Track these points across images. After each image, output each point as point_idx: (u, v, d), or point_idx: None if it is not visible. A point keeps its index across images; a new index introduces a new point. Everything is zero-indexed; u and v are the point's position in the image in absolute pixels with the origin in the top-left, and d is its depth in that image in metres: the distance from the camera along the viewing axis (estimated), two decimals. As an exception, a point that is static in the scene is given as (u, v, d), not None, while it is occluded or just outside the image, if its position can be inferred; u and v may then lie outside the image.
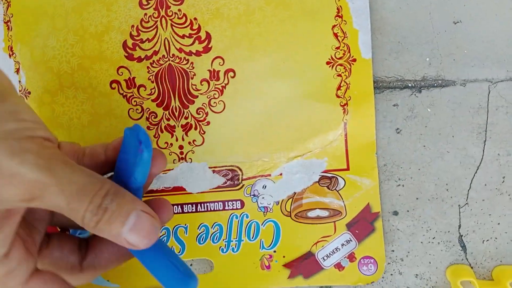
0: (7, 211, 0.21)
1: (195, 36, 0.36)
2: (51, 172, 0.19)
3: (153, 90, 0.37)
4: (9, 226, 0.21)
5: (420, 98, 0.36)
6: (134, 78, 0.36)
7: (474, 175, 0.36)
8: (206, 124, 0.37)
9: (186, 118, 0.37)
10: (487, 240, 0.36)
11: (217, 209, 0.38)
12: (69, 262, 0.26)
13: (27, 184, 0.19)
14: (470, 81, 0.35)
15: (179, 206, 0.38)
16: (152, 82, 0.36)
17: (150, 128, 0.37)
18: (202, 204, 0.38)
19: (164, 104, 0.37)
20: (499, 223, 0.36)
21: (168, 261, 0.23)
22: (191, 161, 0.38)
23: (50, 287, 0.23)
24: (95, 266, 0.26)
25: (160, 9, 0.36)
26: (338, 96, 0.36)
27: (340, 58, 0.35)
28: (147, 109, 0.37)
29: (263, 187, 0.37)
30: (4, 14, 0.38)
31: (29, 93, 0.38)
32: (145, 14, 0.36)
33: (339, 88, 0.36)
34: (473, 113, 0.35)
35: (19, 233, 0.22)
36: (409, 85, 0.36)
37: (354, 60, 0.35)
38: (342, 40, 0.35)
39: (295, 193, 0.37)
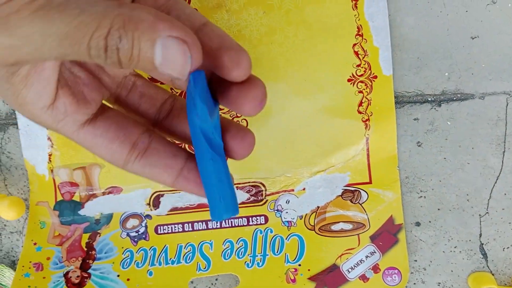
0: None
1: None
2: (11, 33, 0.15)
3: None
4: (44, 76, 0.18)
5: (440, 112, 0.37)
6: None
7: (494, 185, 0.37)
8: (229, 141, 0.38)
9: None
10: (508, 247, 0.37)
11: (242, 224, 0.39)
12: (145, 115, 0.23)
13: None
14: (488, 94, 0.36)
15: (204, 222, 0.39)
16: (176, 102, 0.37)
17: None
18: (227, 220, 0.39)
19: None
20: (519, 232, 0.37)
21: (225, 178, 0.20)
22: (215, 178, 0.39)
23: (100, 139, 0.21)
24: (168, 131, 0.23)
25: (182, 31, 0.37)
26: (359, 112, 0.37)
27: (361, 75, 0.36)
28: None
29: (286, 202, 0.38)
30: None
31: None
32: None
33: (360, 104, 0.36)
34: (492, 125, 0.37)
35: (68, 80, 0.20)
36: (429, 99, 0.37)
37: (375, 77, 0.36)
38: (363, 58, 0.36)
39: (318, 207, 0.38)
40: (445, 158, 0.37)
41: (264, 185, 0.38)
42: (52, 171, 0.40)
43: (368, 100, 0.36)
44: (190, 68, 0.17)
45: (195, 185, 0.21)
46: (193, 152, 0.21)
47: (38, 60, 0.17)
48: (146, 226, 0.39)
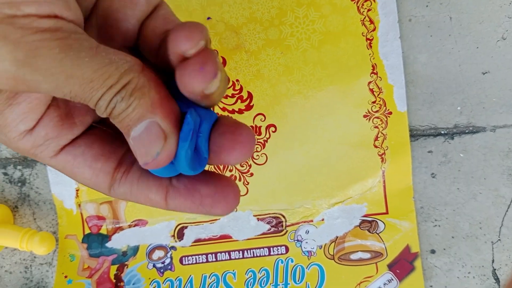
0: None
1: (237, 95, 0.40)
2: (32, 68, 0.15)
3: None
4: (35, 95, 0.18)
5: (453, 144, 0.40)
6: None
7: (506, 213, 0.40)
8: (249, 175, 0.41)
9: (230, 170, 0.41)
10: (520, 272, 0.40)
11: (263, 254, 0.42)
12: None
13: (8, 80, 0.15)
14: (499, 127, 0.39)
15: (227, 253, 0.42)
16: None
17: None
18: (249, 251, 0.42)
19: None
20: (530, 258, 0.40)
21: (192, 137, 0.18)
22: (237, 210, 0.42)
23: (81, 159, 0.19)
24: None
25: (204, 72, 0.40)
26: (375, 146, 0.39)
27: (377, 111, 0.39)
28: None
29: (306, 232, 0.41)
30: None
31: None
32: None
33: (376, 139, 0.39)
34: (503, 157, 0.39)
35: (59, 100, 0.19)
36: (442, 132, 0.40)
37: (390, 113, 0.39)
38: (378, 95, 0.39)
39: (337, 237, 0.41)
40: (458, 189, 0.40)
41: (284, 216, 0.41)
42: (79, 205, 0.43)
43: (384, 135, 0.39)
44: (150, 161, 0.17)
45: (187, 193, 0.19)
46: None
47: (48, 94, 0.17)
48: (171, 257, 0.42)
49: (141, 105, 0.16)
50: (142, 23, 0.19)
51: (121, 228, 0.43)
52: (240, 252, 0.42)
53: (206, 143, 0.18)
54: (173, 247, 0.42)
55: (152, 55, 0.20)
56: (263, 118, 0.40)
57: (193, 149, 0.18)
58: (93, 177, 0.20)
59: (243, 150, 0.18)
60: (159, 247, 0.43)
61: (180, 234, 0.42)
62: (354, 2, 0.38)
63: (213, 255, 0.42)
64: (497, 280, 0.41)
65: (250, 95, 0.40)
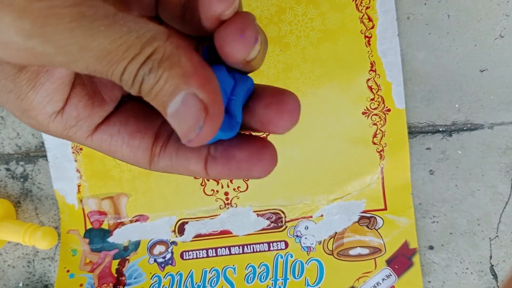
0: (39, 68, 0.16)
1: (237, 92, 0.40)
2: (42, 39, 0.14)
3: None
4: (58, 75, 0.17)
5: (451, 142, 0.40)
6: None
7: (503, 210, 0.40)
8: (249, 171, 0.42)
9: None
10: (517, 269, 0.41)
11: (263, 250, 0.42)
12: None
13: (19, 52, 0.14)
14: (497, 124, 0.40)
15: (227, 248, 0.43)
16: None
17: (197, 177, 0.42)
18: (249, 246, 0.42)
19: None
20: (528, 254, 0.40)
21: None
22: (236, 206, 0.42)
23: (118, 137, 0.19)
24: None
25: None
26: (374, 143, 0.40)
27: (375, 108, 0.39)
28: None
29: (305, 228, 0.42)
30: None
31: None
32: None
33: (375, 135, 0.40)
34: (500, 154, 0.40)
35: (84, 78, 0.18)
36: (440, 129, 0.40)
37: (389, 110, 0.39)
38: (376, 92, 0.39)
39: (336, 232, 0.42)
40: (456, 185, 0.40)
41: (283, 212, 0.42)
42: (81, 201, 0.44)
43: (382, 132, 0.40)
44: (193, 137, 0.16)
45: (225, 162, 0.18)
46: None
47: (66, 69, 0.16)
48: (172, 252, 0.43)
49: (172, 76, 0.15)
50: None
51: (122, 223, 0.44)
52: (240, 247, 0.43)
53: (240, 107, 0.18)
54: (174, 242, 0.43)
55: (176, 21, 0.18)
56: (263, 114, 0.40)
57: (224, 112, 0.17)
58: (131, 154, 0.19)
59: (291, 118, 0.17)
60: (160, 242, 0.43)
61: (180, 229, 0.43)
62: (353, 0, 0.39)
63: (214, 250, 0.43)
64: (495, 276, 0.41)
65: (250, 92, 0.40)
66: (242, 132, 0.18)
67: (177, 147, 0.18)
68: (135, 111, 0.19)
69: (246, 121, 0.18)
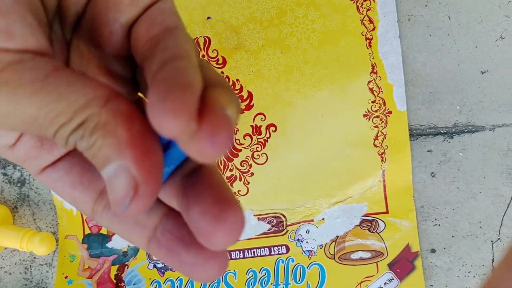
0: None
1: (238, 95, 0.40)
2: None
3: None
4: None
5: (452, 144, 0.40)
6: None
7: (505, 212, 0.41)
8: (250, 175, 0.42)
9: (231, 170, 0.42)
10: (520, 271, 0.41)
11: (264, 254, 0.42)
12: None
13: None
14: (499, 126, 0.40)
15: (227, 253, 0.43)
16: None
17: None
18: (249, 250, 0.43)
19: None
20: (530, 256, 0.41)
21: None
22: (237, 210, 0.42)
23: (59, 183, 0.18)
24: None
25: (204, 72, 0.40)
26: (375, 146, 0.40)
27: (376, 110, 0.40)
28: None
29: (306, 232, 0.42)
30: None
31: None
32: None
33: (376, 138, 0.40)
34: (502, 156, 0.40)
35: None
36: (442, 131, 0.40)
37: (390, 112, 0.40)
38: (378, 94, 0.39)
39: (337, 236, 0.42)
40: (458, 188, 0.41)
41: (284, 216, 0.42)
42: (79, 206, 0.44)
43: (384, 134, 0.40)
44: (119, 212, 0.14)
45: (167, 252, 0.16)
46: (172, 207, 0.18)
47: None
48: (172, 257, 0.43)
49: (106, 145, 0.14)
50: (131, 28, 0.17)
51: (121, 228, 0.44)
52: (241, 252, 0.43)
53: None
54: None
55: (140, 66, 0.17)
56: (263, 117, 0.41)
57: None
58: (74, 203, 0.18)
59: (229, 237, 0.15)
60: (160, 247, 0.43)
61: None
62: (354, 2, 0.39)
63: (214, 255, 0.43)
64: (497, 279, 0.41)
65: (250, 95, 0.40)
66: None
67: None
68: (82, 162, 0.18)
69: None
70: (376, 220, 0.41)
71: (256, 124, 0.41)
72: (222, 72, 0.40)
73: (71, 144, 0.14)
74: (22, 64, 0.14)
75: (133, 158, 0.14)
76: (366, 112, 0.40)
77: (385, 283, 0.41)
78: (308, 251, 0.42)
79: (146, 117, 0.14)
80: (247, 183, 0.42)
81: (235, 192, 0.42)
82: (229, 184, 0.16)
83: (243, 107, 0.41)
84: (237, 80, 0.40)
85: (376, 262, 0.41)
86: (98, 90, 0.14)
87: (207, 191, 0.15)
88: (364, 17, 0.39)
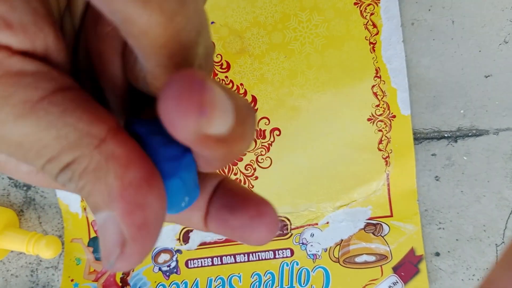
0: None
1: (242, 99, 0.41)
2: None
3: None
4: None
5: (456, 147, 0.41)
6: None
7: (509, 215, 0.41)
8: (254, 179, 0.42)
9: (235, 174, 0.42)
10: (524, 275, 0.41)
11: (268, 258, 0.43)
12: None
13: None
14: (502, 130, 0.40)
15: (232, 256, 0.43)
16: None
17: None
18: (254, 254, 0.43)
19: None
20: (535, 260, 0.41)
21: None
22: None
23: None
24: None
25: (208, 77, 0.41)
26: (380, 150, 0.41)
27: (380, 115, 0.40)
28: (201, 170, 0.42)
29: (311, 235, 0.42)
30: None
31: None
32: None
33: (380, 142, 0.40)
34: (506, 159, 0.40)
35: None
36: (446, 135, 0.41)
37: (394, 116, 0.40)
38: (382, 98, 0.40)
39: (342, 240, 0.42)
40: (462, 191, 0.41)
41: (289, 220, 0.42)
42: (85, 209, 0.44)
43: (388, 138, 0.40)
44: (105, 267, 0.13)
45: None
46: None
47: None
48: (177, 261, 0.43)
49: (94, 193, 0.12)
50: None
51: (126, 232, 0.44)
52: (246, 255, 0.43)
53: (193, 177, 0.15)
54: (178, 251, 0.44)
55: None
56: (268, 121, 0.41)
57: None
58: None
59: (268, 232, 0.15)
60: (165, 250, 0.44)
61: (185, 237, 0.44)
62: (357, 6, 0.39)
63: (219, 258, 0.43)
64: (501, 282, 0.42)
65: (254, 99, 0.41)
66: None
67: None
68: None
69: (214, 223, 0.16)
70: (381, 224, 0.42)
71: (260, 128, 0.41)
72: (226, 77, 0.41)
73: (60, 182, 0.13)
74: (19, 78, 0.12)
75: (121, 212, 0.12)
76: (370, 116, 0.40)
77: (390, 286, 0.41)
78: (312, 254, 0.42)
79: (150, 160, 0.13)
80: (251, 186, 0.42)
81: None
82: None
83: (248, 111, 0.41)
84: (241, 84, 0.41)
85: (381, 266, 0.42)
86: (95, 126, 0.12)
87: (236, 197, 0.15)
88: (367, 22, 0.39)
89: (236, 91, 0.41)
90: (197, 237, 0.44)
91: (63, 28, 0.15)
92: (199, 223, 0.16)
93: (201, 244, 0.44)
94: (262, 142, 0.41)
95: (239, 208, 0.15)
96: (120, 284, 0.44)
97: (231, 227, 0.15)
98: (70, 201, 0.44)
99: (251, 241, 0.15)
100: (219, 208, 0.16)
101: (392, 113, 0.40)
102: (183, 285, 0.43)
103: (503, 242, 0.41)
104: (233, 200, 0.16)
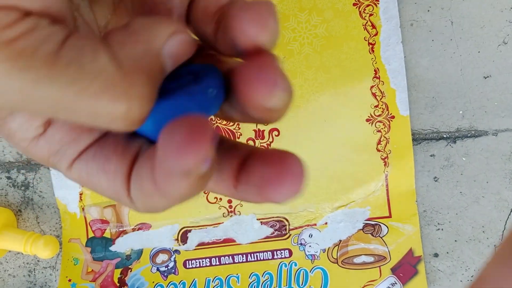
0: None
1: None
2: None
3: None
4: None
5: (455, 148, 0.41)
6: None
7: (508, 216, 0.41)
8: (253, 179, 0.42)
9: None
10: (523, 276, 0.41)
11: (267, 258, 0.43)
12: None
13: None
14: (501, 131, 0.40)
15: (230, 256, 0.43)
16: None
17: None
18: (252, 254, 0.43)
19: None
20: (533, 261, 0.41)
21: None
22: (240, 214, 0.43)
23: (89, 168, 0.16)
24: None
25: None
26: (378, 150, 0.41)
27: (379, 115, 0.40)
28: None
29: (309, 236, 0.42)
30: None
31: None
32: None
33: (379, 142, 0.40)
34: (505, 160, 0.40)
35: None
36: (444, 136, 0.41)
37: (393, 117, 0.40)
38: (380, 99, 0.40)
39: (340, 240, 0.42)
40: (461, 192, 0.41)
41: (287, 220, 0.42)
42: (83, 209, 0.44)
43: (387, 138, 0.40)
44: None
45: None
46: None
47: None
48: (175, 261, 0.43)
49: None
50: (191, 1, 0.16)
51: (124, 232, 0.44)
52: (244, 255, 0.43)
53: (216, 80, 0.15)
54: (176, 251, 0.43)
55: (209, 37, 0.16)
56: (266, 122, 0.41)
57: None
58: (110, 183, 0.16)
59: (295, 184, 0.14)
60: (163, 250, 0.44)
61: (183, 237, 0.43)
62: (356, 7, 0.40)
63: (217, 258, 0.43)
64: (500, 283, 0.42)
65: (253, 99, 0.41)
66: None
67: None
68: (114, 140, 0.17)
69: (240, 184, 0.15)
70: (379, 225, 0.42)
71: (259, 129, 0.41)
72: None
73: None
74: (38, 31, 0.12)
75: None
76: (369, 116, 0.40)
77: (388, 287, 0.41)
78: (311, 255, 0.42)
79: None
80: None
81: (238, 196, 0.43)
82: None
83: (246, 111, 0.41)
84: (241, 84, 0.41)
85: (379, 266, 0.42)
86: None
87: (265, 152, 0.15)
88: (366, 22, 0.39)
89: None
90: (195, 237, 0.44)
91: None
92: (229, 182, 0.15)
93: (199, 245, 0.44)
94: (261, 143, 0.41)
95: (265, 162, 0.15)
96: (118, 284, 0.44)
97: (258, 179, 0.14)
98: (68, 201, 0.44)
99: (276, 197, 0.14)
100: (248, 168, 0.15)
101: (391, 114, 0.40)
102: (181, 286, 0.43)
103: (502, 243, 0.41)
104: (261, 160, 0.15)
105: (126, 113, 0.13)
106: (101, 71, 0.12)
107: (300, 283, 0.42)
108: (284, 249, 0.43)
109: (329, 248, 0.42)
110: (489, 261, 0.15)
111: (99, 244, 0.44)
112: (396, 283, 0.41)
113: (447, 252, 0.42)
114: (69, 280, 0.44)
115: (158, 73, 0.14)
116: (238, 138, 0.42)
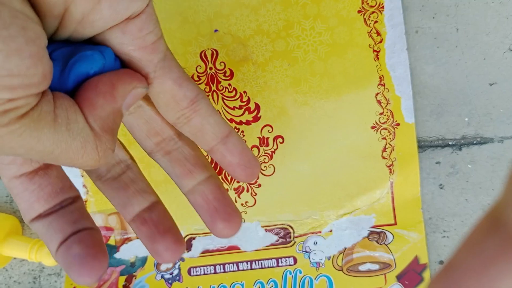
0: None
1: (245, 107, 0.41)
2: None
3: (207, 157, 0.42)
4: None
5: (461, 155, 0.41)
6: (190, 150, 0.41)
7: (515, 224, 0.41)
8: (257, 186, 0.42)
9: (238, 182, 0.42)
10: (530, 284, 0.41)
11: (271, 266, 0.43)
12: None
13: None
14: (507, 138, 0.40)
15: (235, 264, 0.43)
16: (207, 152, 0.41)
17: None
18: (257, 262, 0.43)
19: (217, 169, 0.42)
20: (540, 269, 0.41)
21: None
22: (244, 221, 0.43)
23: (27, 193, 0.22)
24: None
25: (211, 84, 0.41)
26: (383, 158, 0.41)
27: (384, 122, 0.40)
28: (204, 178, 0.42)
29: (314, 243, 0.43)
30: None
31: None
32: (198, 89, 0.41)
33: (384, 150, 0.40)
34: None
35: None
36: (450, 143, 0.41)
37: (398, 124, 0.40)
38: (385, 106, 0.40)
39: (345, 248, 0.42)
40: (466, 200, 0.41)
41: (292, 227, 0.43)
42: (88, 216, 0.44)
43: (392, 146, 0.40)
44: None
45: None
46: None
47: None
48: (179, 268, 0.43)
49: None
50: None
51: (129, 239, 0.44)
52: (248, 263, 0.43)
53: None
54: (181, 258, 0.44)
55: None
56: (271, 129, 0.41)
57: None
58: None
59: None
60: (167, 258, 0.44)
61: (188, 245, 0.44)
62: (361, 14, 0.40)
63: (221, 266, 0.43)
64: (507, 291, 0.41)
65: (257, 107, 0.41)
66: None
67: None
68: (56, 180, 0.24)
69: None
70: (384, 232, 0.42)
71: (263, 136, 0.41)
72: (229, 84, 0.41)
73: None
74: (40, 107, 0.15)
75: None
76: (374, 124, 0.40)
77: (393, 295, 0.41)
78: (316, 262, 0.42)
79: None
80: (254, 194, 0.42)
81: (242, 204, 0.43)
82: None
83: (250, 118, 0.41)
84: (244, 92, 0.41)
85: (384, 274, 0.42)
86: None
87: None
88: (371, 30, 0.39)
89: (240, 98, 0.41)
90: (199, 244, 0.44)
91: None
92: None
93: (203, 252, 0.44)
94: (265, 150, 0.42)
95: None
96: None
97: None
98: (73, 208, 0.45)
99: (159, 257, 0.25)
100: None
101: (396, 121, 0.40)
102: (186, 293, 0.43)
103: (508, 251, 0.41)
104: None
105: (95, 163, 0.17)
106: (79, 131, 0.16)
107: (305, 291, 0.42)
108: (289, 257, 0.43)
109: (334, 255, 0.42)
110: (459, 246, 0.14)
111: (103, 251, 0.45)
112: (401, 291, 0.41)
113: (453, 260, 0.42)
114: (74, 287, 0.44)
115: (119, 123, 0.18)
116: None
